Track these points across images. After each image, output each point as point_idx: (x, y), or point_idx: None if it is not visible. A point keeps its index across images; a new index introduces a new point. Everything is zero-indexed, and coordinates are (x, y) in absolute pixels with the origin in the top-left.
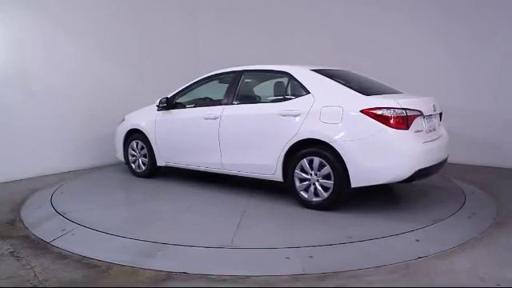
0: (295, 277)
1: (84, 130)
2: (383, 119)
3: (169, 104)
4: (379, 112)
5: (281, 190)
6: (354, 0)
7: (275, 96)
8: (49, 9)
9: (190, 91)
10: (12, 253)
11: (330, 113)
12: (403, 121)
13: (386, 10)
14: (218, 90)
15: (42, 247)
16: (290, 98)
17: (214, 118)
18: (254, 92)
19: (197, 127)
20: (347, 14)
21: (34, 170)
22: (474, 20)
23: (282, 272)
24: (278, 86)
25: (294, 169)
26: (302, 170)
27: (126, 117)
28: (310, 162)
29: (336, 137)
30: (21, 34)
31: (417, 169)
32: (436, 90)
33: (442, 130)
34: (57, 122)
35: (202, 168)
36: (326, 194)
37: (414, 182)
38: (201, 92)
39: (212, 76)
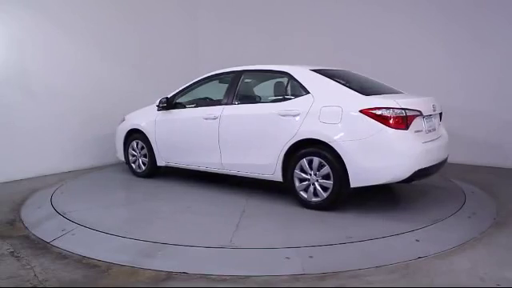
0: (295, 277)
1: (84, 130)
2: (382, 119)
3: (169, 104)
4: (378, 112)
5: (280, 190)
6: (354, 0)
7: (275, 96)
8: (49, 9)
9: (189, 91)
10: (12, 253)
11: (329, 113)
12: (402, 121)
13: (386, 10)
14: (217, 90)
15: (42, 247)
16: (290, 98)
17: (214, 118)
18: (253, 92)
19: (197, 127)
20: (347, 14)
21: (33, 169)
22: (474, 20)
23: (282, 272)
24: (277, 86)
25: (294, 169)
26: (302, 170)
27: (127, 117)
28: (310, 162)
29: (335, 137)
30: (21, 34)
31: (416, 169)
32: (436, 90)
33: (442, 130)
34: (57, 122)
35: (202, 168)
36: (325, 194)
37: (413, 182)
38: (201, 92)
39: (212, 76)
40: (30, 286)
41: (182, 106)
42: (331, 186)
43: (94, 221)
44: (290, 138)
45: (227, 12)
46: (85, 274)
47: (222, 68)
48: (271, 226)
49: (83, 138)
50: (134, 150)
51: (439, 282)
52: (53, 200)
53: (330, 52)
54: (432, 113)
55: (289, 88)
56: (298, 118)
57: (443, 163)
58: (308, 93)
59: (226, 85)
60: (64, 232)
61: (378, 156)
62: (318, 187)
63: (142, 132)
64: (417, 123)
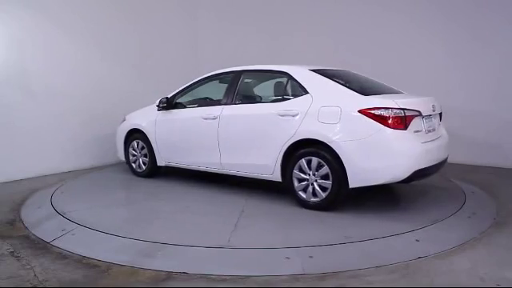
0: (295, 277)
1: (84, 129)
2: (381, 119)
3: (169, 104)
4: (377, 112)
5: (279, 190)
6: (354, 0)
7: (274, 96)
8: (49, 9)
9: (189, 91)
10: (12, 253)
11: (328, 113)
12: (401, 121)
13: (386, 10)
14: (217, 89)
15: (42, 247)
16: (289, 98)
17: (214, 118)
18: (253, 92)
19: (196, 127)
20: (347, 14)
21: (33, 169)
22: (474, 20)
23: (281, 272)
24: (277, 86)
25: (293, 169)
26: (301, 170)
27: (127, 117)
28: (309, 162)
29: (334, 137)
30: (21, 34)
31: (415, 169)
32: (436, 90)
33: (442, 130)
34: (57, 122)
35: (202, 168)
36: (324, 194)
37: (413, 182)
38: (201, 92)
39: (212, 76)
40: (29, 285)
41: (182, 105)
42: (330, 186)
43: (94, 221)
44: (289, 138)
45: (227, 12)
46: (85, 274)
47: (222, 68)
48: (270, 226)
49: (83, 137)
50: (134, 149)
51: (439, 282)
52: (53, 200)
53: (330, 52)
54: (431, 113)
55: (288, 88)
56: (296, 118)
57: (443, 163)
58: (307, 93)
59: (226, 85)
60: (64, 232)
61: (376, 156)
62: (317, 187)
63: (143, 132)
64: (416, 123)
